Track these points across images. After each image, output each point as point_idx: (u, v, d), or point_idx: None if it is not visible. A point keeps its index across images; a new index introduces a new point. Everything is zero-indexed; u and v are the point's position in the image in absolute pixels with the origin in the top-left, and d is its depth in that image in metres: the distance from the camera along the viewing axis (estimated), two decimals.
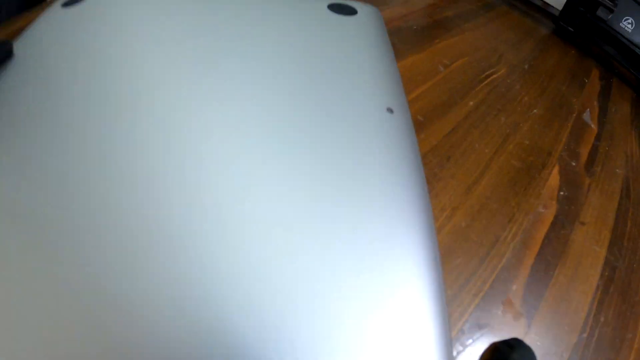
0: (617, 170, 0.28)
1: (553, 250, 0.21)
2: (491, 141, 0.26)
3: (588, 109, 0.32)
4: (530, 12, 0.46)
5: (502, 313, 0.18)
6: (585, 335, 0.18)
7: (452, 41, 0.34)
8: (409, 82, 0.28)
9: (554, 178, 0.25)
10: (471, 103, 0.28)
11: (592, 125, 0.30)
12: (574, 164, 0.26)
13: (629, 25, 0.38)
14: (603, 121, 0.32)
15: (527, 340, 0.17)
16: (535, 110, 0.29)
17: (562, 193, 0.24)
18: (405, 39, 0.32)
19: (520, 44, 0.37)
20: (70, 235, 0.14)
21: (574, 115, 0.30)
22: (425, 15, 0.36)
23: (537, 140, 0.27)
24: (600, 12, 0.38)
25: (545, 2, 0.48)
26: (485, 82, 0.30)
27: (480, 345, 0.17)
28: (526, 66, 0.33)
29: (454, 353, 0.16)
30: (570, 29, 0.41)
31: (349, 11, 0.26)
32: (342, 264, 0.14)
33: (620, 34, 0.38)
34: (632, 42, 0.38)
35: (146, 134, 0.17)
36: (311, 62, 0.22)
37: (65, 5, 0.25)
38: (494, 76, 0.31)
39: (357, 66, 0.22)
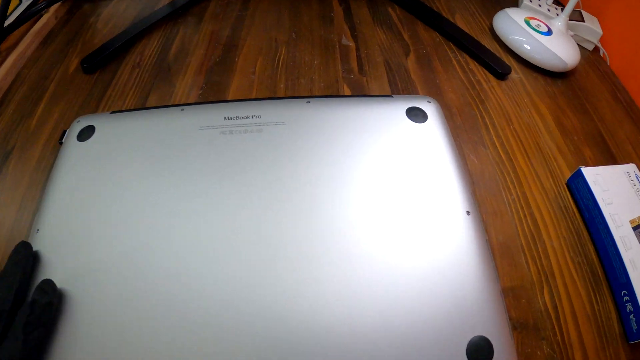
0: (377, 59, 0.44)
1: None
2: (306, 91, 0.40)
3: (343, 34, 0.48)
4: None
5: None
6: None
7: (246, 51, 0.47)
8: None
9: (347, 92, 0.40)
10: (282, 85, 0.42)
11: (350, 44, 0.46)
12: (352, 76, 0.42)
13: None
14: (355, 35, 0.47)
15: None
16: (315, 62, 0.44)
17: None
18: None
19: (281, 24, 0.51)
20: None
21: (337, 45, 0.46)
22: (217, 43, 0.49)
23: (326, 78, 0.41)
24: None
25: None
26: (280, 63, 0.44)
27: None
28: (294, 35, 0.48)
29: None
30: None
31: (422, 117, 0.33)
32: None
33: None
34: None
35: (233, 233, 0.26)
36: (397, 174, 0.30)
37: (81, 140, 0.31)
38: (279, 55, 0.45)
39: (436, 172, 0.30)
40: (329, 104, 0.34)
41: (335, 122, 0.33)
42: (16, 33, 0.45)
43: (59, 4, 0.50)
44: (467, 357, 0.23)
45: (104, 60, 0.44)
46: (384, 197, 0.29)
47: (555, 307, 0.30)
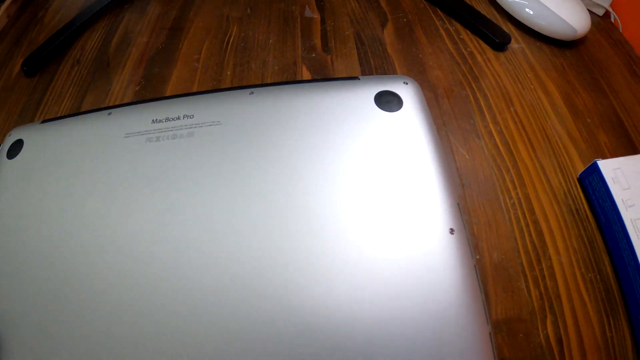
0: (347, 32, 0.36)
1: None
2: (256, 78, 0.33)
3: (307, 5, 0.40)
4: None
5: None
6: None
7: (192, 34, 0.39)
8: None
9: (306, 75, 0.32)
10: (229, 73, 0.34)
11: (315, 15, 0.38)
12: (314, 55, 0.34)
13: None
14: (322, 5, 0.40)
15: None
16: (271, 40, 0.36)
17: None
18: None
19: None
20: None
21: (298, 19, 0.38)
22: (162, 28, 0.41)
23: (283, 60, 0.34)
24: None
25: None
26: (229, 45, 0.37)
27: None
28: (249, 11, 0.40)
29: None
30: None
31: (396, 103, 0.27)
32: None
33: None
34: None
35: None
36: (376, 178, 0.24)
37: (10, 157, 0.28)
38: (229, 35, 0.38)
39: (413, 177, 0.24)
40: (276, 93, 0.28)
41: (283, 116, 0.26)
42: None
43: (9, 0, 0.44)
44: None
45: (44, 59, 0.39)
46: (345, 210, 0.23)
47: (559, 341, 0.24)
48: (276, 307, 0.21)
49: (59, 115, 0.35)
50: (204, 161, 0.25)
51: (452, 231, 0.22)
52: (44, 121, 0.31)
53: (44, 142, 0.29)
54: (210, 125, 0.26)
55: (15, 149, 0.28)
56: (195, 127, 0.26)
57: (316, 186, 0.24)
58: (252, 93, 0.28)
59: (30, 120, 0.36)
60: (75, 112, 0.34)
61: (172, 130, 0.27)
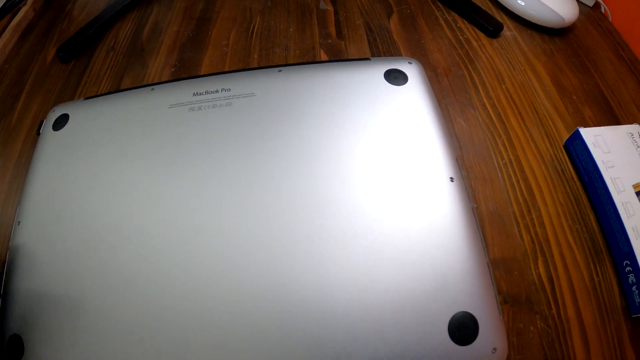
0: (357, 21, 0.41)
1: None
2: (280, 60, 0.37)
3: None
4: None
5: None
6: None
7: (219, 24, 0.44)
8: None
9: (324, 58, 0.37)
10: (256, 56, 0.39)
11: (329, 7, 0.43)
12: (329, 41, 0.39)
13: None
14: None
15: None
16: (291, 29, 0.41)
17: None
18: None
19: None
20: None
21: (314, 11, 0.43)
22: (190, 19, 0.46)
23: (302, 45, 0.39)
24: None
25: None
26: (254, 33, 0.42)
27: None
28: (269, 4, 0.45)
29: None
30: None
31: (402, 79, 0.31)
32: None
33: None
34: None
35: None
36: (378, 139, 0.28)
37: (56, 129, 0.31)
38: (253, 24, 0.43)
39: (417, 137, 0.28)
40: (301, 71, 0.32)
41: (308, 89, 0.31)
42: None
43: None
44: (450, 334, 0.21)
45: (79, 47, 0.43)
46: (362, 166, 0.27)
47: (550, 280, 0.27)
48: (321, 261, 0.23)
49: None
50: (243, 127, 0.29)
51: (452, 179, 0.26)
52: (87, 98, 0.33)
53: (90, 115, 0.31)
54: (246, 96, 0.30)
55: (60, 122, 0.31)
56: (233, 98, 0.30)
57: (340, 147, 0.28)
58: (280, 71, 0.32)
59: (69, 100, 0.38)
60: (117, 90, 0.38)
61: (212, 101, 0.30)
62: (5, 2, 0.46)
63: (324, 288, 0.23)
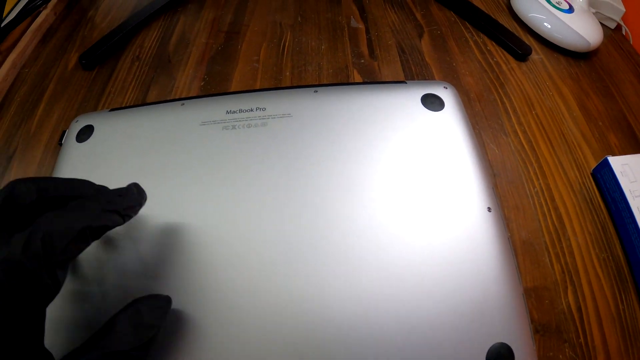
0: (389, 41, 0.41)
1: None
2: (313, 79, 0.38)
3: (351, 16, 0.45)
4: None
5: None
6: None
7: (249, 37, 0.44)
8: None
9: (357, 78, 0.37)
10: (288, 73, 0.39)
11: (360, 26, 0.43)
12: (362, 61, 0.39)
13: None
14: (365, 17, 0.45)
15: None
16: (323, 47, 0.41)
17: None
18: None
19: (285, 6, 0.49)
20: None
21: (345, 29, 0.43)
22: (219, 31, 0.46)
23: (335, 63, 0.39)
24: None
25: None
26: (285, 49, 0.42)
27: None
28: (299, 19, 0.45)
29: None
30: None
31: (439, 104, 0.31)
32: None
33: None
34: None
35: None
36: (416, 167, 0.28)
37: (80, 140, 0.30)
38: (284, 41, 0.43)
39: (455, 164, 0.28)
40: (337, 92, 0.32)
41: (345, 112, 0.31)
42: (16, 31, 0.44)
43: None
44: None
45: (103, 55, 0.42)
46: (399, 192, 0.27)
47: (579, 308, 0.28)
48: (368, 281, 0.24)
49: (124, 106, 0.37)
50: (279, 148, 0.29)
51: (489, 209, 0.27)
52: (112, 109, 0.33)
53: (116, 127, 0.30)
54: (281, 117, 0.30)
55: (85, 134, 0.30)
56: (268, 118, 0.30)
57: (377, 172, 0.28)
58: (317, 91, 0.32)
59: (93, 109, 0.38)
60: (144, 103, 0.38)
61: (246, 120, 0.30)
62: (26, 4, 0.46)
63: (363, 316, 0.23)
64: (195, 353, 0.22)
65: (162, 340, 0.22)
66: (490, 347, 0.22)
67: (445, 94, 0.32)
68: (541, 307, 0.28)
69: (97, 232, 0.18)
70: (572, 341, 0.27)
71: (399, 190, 0.27)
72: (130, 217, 0.21)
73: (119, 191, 0.21)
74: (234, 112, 0.31)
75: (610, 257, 0.30)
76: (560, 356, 0.26)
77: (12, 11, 0.45)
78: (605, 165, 0.33)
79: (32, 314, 0.15)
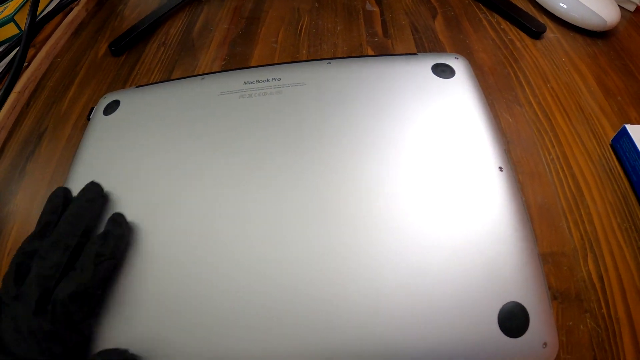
0: (403, 22, 0.42)
1: None
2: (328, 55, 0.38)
3: (367, 0, 0.46)
4: None
5: None
6: None
7: (268, 22, 0.46)
8: None
9: (371, 54, 0.38)
10: (304, 52, 0.41)
11: (375, 9, 0.45)
12: (376, 39, 0.40)
13: None
14: (380, 1, 0.46)
15: None
16: (339, 28, 0.42)
17: None
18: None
19: None
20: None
21: (360, 11, 0.44)
22: (240, 17, 0.48)
23: (350, 42, 0.40)
24: None
25: None
26: (302, 31, 0.43)
27: None
28: (316, 5, 0.47)
29: None
30: None
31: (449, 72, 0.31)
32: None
33: None
34: None
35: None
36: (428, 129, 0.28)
37: (106, 113, 0.32)
38: (301, 24, 0.44)
39: (466, 128, 0.28)
40: (350, 64, 0.33)
41: (357, 80, 0.32)
42: (49, 26, 0.47)
43: None
44: (499, 325, 0.21)
45: (131, 42, 0.45)
46: (410, 155, 0.27)
47: (600, 278, 0.27)
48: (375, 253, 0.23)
49: None
50: (293, 114, 0.30)
51: (501, 169, 0.27)
52: (138, 86, 0.35)
53: (140, 101, 0.32)
54: (296, 85, 0.31)
55: (111, 107, 0.32)
56: (283, 87, 0.31)
57: (389, 136, 0.28)
58: (330, 63, 0.33)
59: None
60: (168, 79, 0.39)
61: (262, 89, 0.31)
62: (59, 1, 0.49)
63: (374, 276, 0.23)
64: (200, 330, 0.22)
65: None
66: (503, 307, 0.21)
67: (456, 63, 0.33)
68: (559, 273, 0.27)
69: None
70: (594, 311, 0.25)
71: (411, 153, 0.27)
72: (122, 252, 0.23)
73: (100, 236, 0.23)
74: (251, 82, 0.32)
75: (633, 227, 0.29)
76: (581, 326, 0.25)
77: (47, 8, 0.49)
78: (624, 133, 0.32)
79: None
